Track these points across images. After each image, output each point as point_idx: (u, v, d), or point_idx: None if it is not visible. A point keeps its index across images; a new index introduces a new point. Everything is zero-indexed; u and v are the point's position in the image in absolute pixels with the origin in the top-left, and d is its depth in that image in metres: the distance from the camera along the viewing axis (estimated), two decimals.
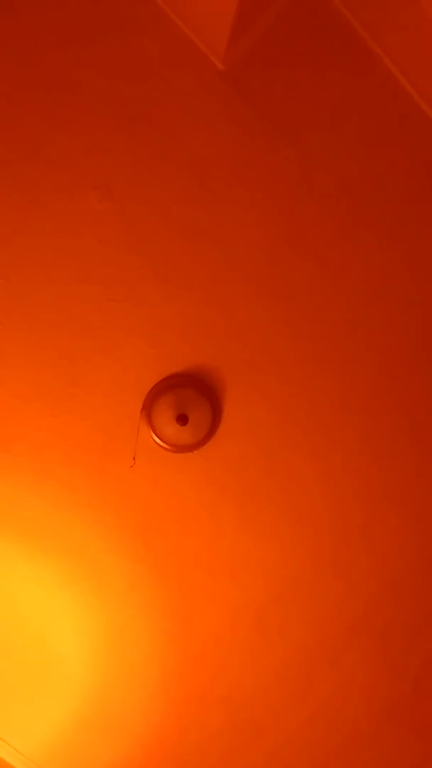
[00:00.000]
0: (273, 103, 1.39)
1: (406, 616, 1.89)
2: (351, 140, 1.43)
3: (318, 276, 1.57)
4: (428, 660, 1.93)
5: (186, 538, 1.81)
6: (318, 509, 1.80)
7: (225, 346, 1.64)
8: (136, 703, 2.01)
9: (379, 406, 1.71)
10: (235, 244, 1.53)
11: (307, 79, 1.37)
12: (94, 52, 1.35)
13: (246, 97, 1.38)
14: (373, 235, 1.53)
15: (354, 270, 1.57)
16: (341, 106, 1.40)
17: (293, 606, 1.89)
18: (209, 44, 1.33)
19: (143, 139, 1.42)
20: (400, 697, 1.97)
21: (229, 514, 1.80)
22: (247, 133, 1.42)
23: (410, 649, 1.92)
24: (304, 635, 1.92)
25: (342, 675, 1.95)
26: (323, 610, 1.89)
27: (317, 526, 1.81)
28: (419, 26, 1.30)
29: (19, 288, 1.56)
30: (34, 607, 1.90)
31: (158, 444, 1.70)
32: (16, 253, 1.52)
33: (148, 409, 1.67)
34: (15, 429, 1.69)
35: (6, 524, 1.79)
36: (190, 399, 1.65)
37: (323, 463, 1.75)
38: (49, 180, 1.46)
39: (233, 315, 1.60)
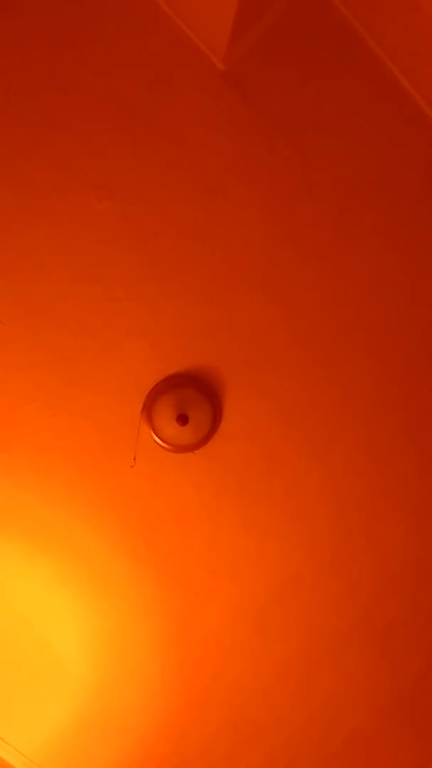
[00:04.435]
0: (273, 103, 1.39)
1: (407, 615, 1.89)
2: (351, 140, 1.43)
3: (318, 276, 1.57)
4: (428, 660, 1.93)
5: (186, 538, 1.81)
6: (318, 509, 1.80)
7: (225, 346, 1.64)
8: (137, 704, 2.01)
9: (379, 406, 1.71)
10: (235, 244, 1.53)
11: (308, 79, 1.37)
12: (94, 52, 1.35)
13: (246, 97, 1.38)
14: (373, 234, 1.53)
15: (354, 270, 1.57)
16: (341, 106, 1.40)
17: (293, 606, 1.89)
18: (209, 44, 1.33)
19: (143, 139, 1.42)
20: (400, 697, 1.97)
21: (229, 514, 1.80)
22: (247, 133, 1.42)
23: (411, 648, 1.92)
24: (304, 635, 1.92)
25: (342, 675, 1.95)
26: (323, 610, 1.89)
27: (317, 526, 1.81)
28: (419, 26, 1.30)
29: (20, 288, 1.56)
30: (34, 607, 1.90)
31: (158, 444, 1.70)
32: (16, 252, 1.52)
33: (148, 409, 1.67)
34: (15, 429, 1.69)
35: (6, 524, 1.79)
36: (191, 399, 1.65)
37: (323, 463, 1.75)
38: (49, 180, 1.46)
39: (233, 315, 1.61)
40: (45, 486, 1.75)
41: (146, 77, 1.37)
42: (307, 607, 1.89)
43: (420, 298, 1.60)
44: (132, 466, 1.72)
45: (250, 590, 1.87)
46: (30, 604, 1.90)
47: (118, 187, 1.47)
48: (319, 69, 1.36)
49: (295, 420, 1.71)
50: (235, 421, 1.71)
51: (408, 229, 1.53)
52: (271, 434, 1.72)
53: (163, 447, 1.70)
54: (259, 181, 1.47)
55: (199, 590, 1.87)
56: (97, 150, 1.43)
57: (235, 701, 2.00)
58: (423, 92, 1.39)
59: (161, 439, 1.69)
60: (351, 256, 1.55)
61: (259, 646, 1.93)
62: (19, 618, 1.92)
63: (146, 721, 2.03)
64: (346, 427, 1.72)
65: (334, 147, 1.44)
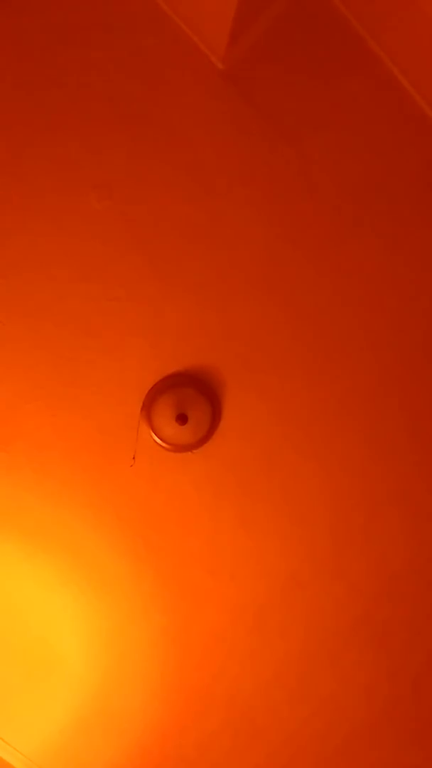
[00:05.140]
0: (273, 103, 1.39)
1: (406, 616, 1.89)
2: (351, 140, 1.43)
3: (318, 276, 1.57)
4: (428, 660, 1.93)
5: (186, 537, 1.81)
6: (318, 509, 1.80)
7: (225, 346, 1.64)
8: (136, 703, 2.01)
9: (379, 406, 1.71)
10: (235, 243, 1.53)
11: (307, 79, 1.37)
12: (94, 51, 1.35)
13: (246, 97, 1.38)
14: (373, 234, 1.53)
15: (354, 270, 1.57)
16: (341, 106, 1.40)
17: (293, 606, 1.89)
18: (209, 44, 1.33)
19: (143, 139, 1.42)
20: (399, 697, 1.97)
21: (229, 514, 1.80)
22: (247, 133, 1.42)
23: (410, 648, 1.92)
24: (304, 635, 1.92)
25: (342, 675, 1.95)
26: (323, 609, 1.89)
27: (317, 525, 1.81)
28: (419, 26, 1.30)
29: (19, 288, 1.56)
30: (34, 607, 1.90)
31: (158, 443, 1.70)
32: (16, 252, 1.52)
33: (147, 408, 1.67)
34: (15, 428, 1.69)
35: (6, 524, 1.79)
36: (190, 398, 1.65)
37: (323, 463, 1.75)
38: (49, 180, 1.46)
39: (233, 315, 1.61)
40: (44, 485, 1.75)
41: (146, 77, 1.37)
42: (307, 607, 1.89)
43: (420, 298, 1.60)
44: (131, 466, 1.72)
45: (249, 590, 1.87)
46: (30, 604, 1.90)
47: (118, 187, 1.47)
48: (318, 69, 1.36)
49: (295, 420, 1.71)
50: (235, 420, 1.71)
51: (408, 229, 1.53)
52: (270, 434, 1.72)
53: (163, 446, 1.70)
54: (259, 181, 1.47)
55: (199, 590, 1.87)
56: (97, 150, 1.43)
57: (235, 701, 2.00)
58: (423, 92, 1.39)
59: (160, 439, 1.69)
60: (351, 256, 1.55)
61: (258, 646, 1.93)
62: (19, 618, 1.92)
63: (146, 721, 2.03)
64: (346, 427, 1.72)
65: (334, 147, 1.44)
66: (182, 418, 1.64)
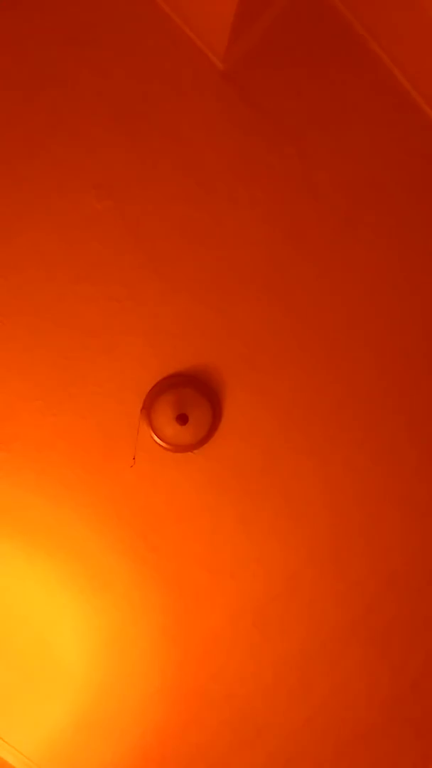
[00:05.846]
0: (273, 103, 1.39)
1: (406, 615, 1.89)
2: (351, 140, 1.43)
3: (318, 276, 1.57)
4: (428, 660, 1.93)
5: (186, 537, 1.82)
6: (318, 509, 1.80)
7: (225, 346, 1.64)
8: (136, 703, 2.01)
9: (379, 406, 1.71)
10: (235, 243, 1.53)
11: (307, 78, 1.37)
12: (94, 51, 1.35)
13: (246, 97, 1.38)
14: (373, 234, 1.53)
15: (354, 269, 1.57)
16: (341, 106, 1.40)
17: (293, 605, 1.89)
18: (209, 44, 1.33)
19: (143, 139, 1.42)
20: (399, 697, 1.97)
21: (229, 514, 1.80)
22: (247, 133, 1.42)
23: (410, 648, 1.92)
24: (304, 635, 1.92)
25: (342, 675, 1.95)
26: (323, 609, 1.89)
27: (317, 525, 1.81)
28: (419, 26, 1.30)
29: (19, 287, 1.56)
30: (34, 607, 1.90)
31: (158, 444, 1.70)
32: (16, 252, 1.52)
33: (148, 408, 1.67)
34: (15, 428, 1.69)
35: (6, 524, 1.79)
36: (190, 398, 1.65)
37: (323, 463, 1.75)
38: (49, 180, 1.46)
39: (233, 315, 1.61)
40: (45, 486, 1.75)
41: (146, 77, 1.37)
42: (307, 607, 1.89)
43: (420, 298, 1.60)
44: (131, 466, 1.72)
45: (249, 589, 1.87)
46: (29, 604, 1.90)
47: (118, 187, 1.47)
48: (319, 68, 1.36)
49: (295, 419, 1.71)
50: (235, 420, 1.71)
51: (408, 229, 1.53)
52: (270, 434, 1.72)
53: (163, 447, 1.70)
54: (259, 181, 1.47)
55: (199, 589, 1.87)
56: (97, 149, 1.43)
57: (235, 700, 2.00)
58: (423, 92, 1.39)
59: (161, 439, 1.69)
60: (351, 256, 1.55)
61: (258, 645, 1.93)
62: (19, 618, 1.92)
63: (146, 721, 2.03)
64: (346, 427, 1.72)
65: (334, 147, 1.44)
66: (182, 418, 1.64)
